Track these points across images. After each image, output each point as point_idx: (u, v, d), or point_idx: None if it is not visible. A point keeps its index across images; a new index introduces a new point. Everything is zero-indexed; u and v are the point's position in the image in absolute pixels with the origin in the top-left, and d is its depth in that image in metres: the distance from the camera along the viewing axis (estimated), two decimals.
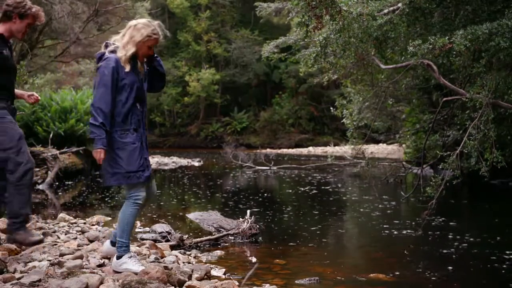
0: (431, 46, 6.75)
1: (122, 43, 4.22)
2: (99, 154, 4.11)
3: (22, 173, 4.76)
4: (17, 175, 4.75)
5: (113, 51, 4.23)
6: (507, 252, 5.96)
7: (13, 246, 5.16)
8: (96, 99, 4.12)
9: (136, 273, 4.21)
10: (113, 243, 4.60)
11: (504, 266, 5.40)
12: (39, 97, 5.38)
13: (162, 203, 10.08)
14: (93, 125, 4.10)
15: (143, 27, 4.20)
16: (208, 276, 4.63)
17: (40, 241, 4.90)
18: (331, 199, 11.13)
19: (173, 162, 21.91)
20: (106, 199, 10.24)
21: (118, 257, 4.30)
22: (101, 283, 4.07)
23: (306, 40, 10.24)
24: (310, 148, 39.07)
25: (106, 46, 4.35)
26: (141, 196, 4.25)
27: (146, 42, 4.20)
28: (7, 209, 4.90)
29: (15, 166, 4.76)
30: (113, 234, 4.64)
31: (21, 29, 4.81)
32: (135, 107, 4.27)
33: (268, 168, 18.40)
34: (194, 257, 5.57)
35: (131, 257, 4.29)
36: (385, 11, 8.21)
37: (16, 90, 5.28)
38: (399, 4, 8.10)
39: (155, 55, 4.42)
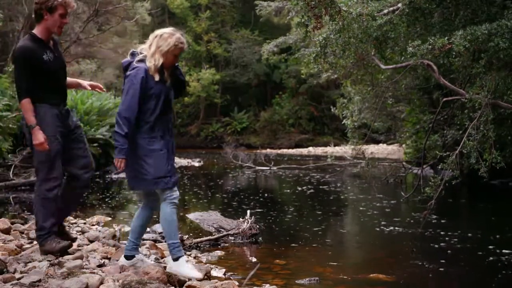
0: (430, 47, 6.76)
1: (149, 53, 4.25)
2: (121, 163, 4.21)
3: (49, 187, 4.84)
4: (45, 188, 4.83)
5: (142, 60, 4.27)
6: (508, 251, 5.96)
7: (13, 246, 5.17)
8: (124, 108, 4.15)
9: (199, 280, 4.28)
10: (127, 257, 4.57)
11: (505, 265, 5.40)
12: (101, 86, 5.45)
13: None
14: (119, 134, 4.16)
15: (169, 36, 4.24)
16: (208, 276, 4.63)
17: (68, 246, 4.92)
18: (331, 199, 11.13)
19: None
20: (106, 199, 10.25)
21: (175, 259, 4.30)
22: (101, 283, 4.07)
23: (306, 40, 10.24)
24: (310, 148, 39.03)
25: (132, 55, 4.38)
26: (176, 195, 4.32)
27: (173, 51, 4.24)
28: (36, 219, 4.99)
29: (44, 180, 4.84)
30: (126, 248, 4.62)
31: (56, 23, 4.75)
32: (162, 115, 4.32)
33: (268, 168, 18.40)
34: (194, 257, 5.57)
35: (187, 261, 4.30)
36: (385, 11, 8.22)
37: (71, 80, 5.32)
38: (399, 5, 8.11)
39: (176, 64, 4.46)
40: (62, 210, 5.09)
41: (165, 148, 4.32)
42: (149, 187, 4.34)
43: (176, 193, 4.32)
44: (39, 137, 4.65)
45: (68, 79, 5.24)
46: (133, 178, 4.35)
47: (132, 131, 4.22)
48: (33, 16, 4.92)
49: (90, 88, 5.41)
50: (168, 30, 4.32)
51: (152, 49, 4.24)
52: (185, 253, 4.63)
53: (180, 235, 6.16)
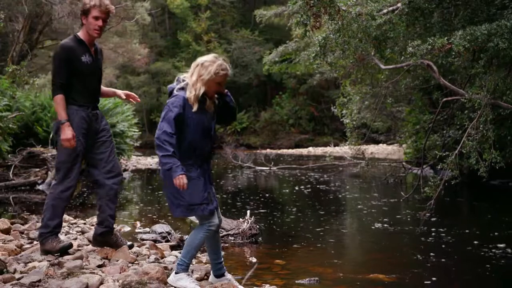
0: (430, 47, 6.76)
1: (191, 81, 4.16)
2: (181, 180, 4.00)
3: (64, 188, 4.91)
4: (61, 188, 4.89)
5: (183, 88, 4.21)
6: (508, 251, 5.96)
7: (13, 247, 5.17)
8: (160, 132, 4.06)
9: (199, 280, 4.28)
10: (217, 276, 4.51)
11: (506, 265, 5.40)
12: (136, 97, 5.49)
13: (162, 204, 10.09)
14: (165, 156, 4.02)
15: (210, 64, 4.14)
16: (208, 277, 4.63)
17: (69, 246, 4.95)
18: (331, 199, 11.13)
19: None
20: None
21: (176, 273, 4.28)
22: (101, 283, 4.08)
23: (305, 40, 10.24)
24: (310, 149, 39.05)
25: (177, 81, 4.32)
26: (214, 223, 4.23)
27: (214, 79, 4.14)
28: (42, 216, 5.04)
29: (62, 180, 4.91)
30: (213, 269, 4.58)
31: (91, 26, 4.86)
32: (200, 144, 4.24)
33: (268, 168, 18.40)
34: (194, 258, 5.56)
35: (188, 275, 4.28)
36: (384, 11, 8.22)
37: (106, 89, 5.40)
38: (399, 4, 8.11)
39: (226, 91, 4.38)
40: (101, 218, 5.19)
41: (202, 177, 4.25)
42: (185, 214, 4.27)
43: (214, 221, 4.23)
44: (68, 133, 4.74)
45: (104, 88, 5.36)
46: (171, 204, 4.26)
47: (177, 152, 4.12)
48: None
49: (124, 97, 5.47)
50: (209, 57, 4.21)
51: (194, 78, 4.16)
52: (191, 270, 4.61)
53: (180, 235, 6.18)
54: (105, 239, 5.21)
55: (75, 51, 4.84)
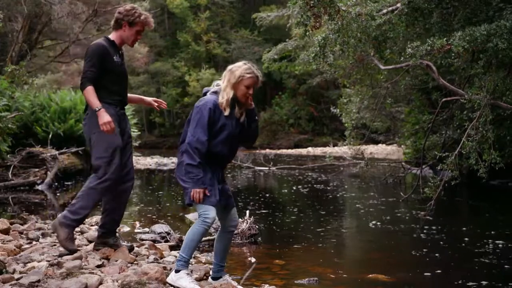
0: (429, 47, 6.76)
1: (222, 87, 4.25)
2: (199, 194, 4.09)
3: (102, 180, 4.94)
4: (98, 181, 4.92)
5: (215, 92, 4.28)
6: (507, 251, 5.96)
7: (12, 247, 5.17)
8: (194, 140, 4.10)
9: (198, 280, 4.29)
10: (214, 278, 4.52)
11: (504, 265, 5.40)
12: (165, 103, 5.52)
13: (161, 204, 10.09)
14: (192, 166, 4.08)
15: (237, 69, 4.23)
16: (207, 277, 4.63)
17: (73, 251, 4.92)
18: (330, 199, 11.13)
19: (172, 162, 21.87)
20: None
21: (176, 271, 4.28)
22: (100, 283, 4.07)
23: (304, 39, 10.23)
24: (310, 149, 39.07)
25: (214, 85, 4.40)
26: (211, 216, 4.18)
27: (241, 82, 4.20)
28: (75, 201, 5.04)
29: (102, 174, 4.93)
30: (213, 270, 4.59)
31: (131, 37, 4.95)
32: (222, 151, 4.26)
33: (267, 168, 18.41)
34: (193, 258, 5.56)
35: (188, 274, 4.27)
36: (384, 11, 8.22)
37: (134, 96, 5.45)
38: (398, 5, 8.12)
39: (253, 108, 4.41)
40: (107, 219, 5.24)
41: (211, 174, 4.26)
42: (189, 201, 4.26)
43: (211, 214, 4.19)
44: (106, 117, 4.73)
45: (131, 95, 5.40)
46: (185, 190, 4.25)
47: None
48: (112, 22, 5.09)
49: (154, 104, 5.49)
50: (238, 63, 4.32)
51: (224, 84, 4.24)
52: (191, 271, 4.61)
53: (179, 235, 6.17)
54: (105, 240, 5.22)
55: (109, 50, 4.90)
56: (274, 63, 25.29)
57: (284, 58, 26.99)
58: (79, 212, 4.97)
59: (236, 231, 6.51)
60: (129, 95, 5.31)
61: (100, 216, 7.71)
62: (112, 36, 5.02)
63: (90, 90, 4.78)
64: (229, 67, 4.31)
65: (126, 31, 4.95)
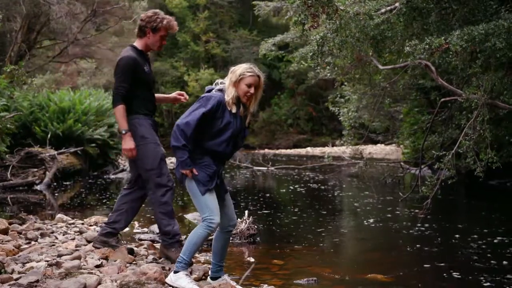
0: (427, 46, 6.76)
1: (226, 86, 4.31)
2: (188, 174, 4.21)
3: (162, 193, 5.00)
4: (159, 194, 4.96)
5: (221, 90, 4.32)
6: (505, 251, 5.97)
7: (11, 247, 5.17)
8: (183, 122, 4.13)
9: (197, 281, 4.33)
10: (213, 278, 4.54)
11: (502, 265, 5.41)
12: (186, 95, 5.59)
13: None
14: (176, 147, 4.14)
15: (238, 68, 4.30)
16: (206, 277, 4.63)
17: (190, 264, 4.90)
18: (329, 199, 11.13)
19: (171, 162, 21.83)
20: (104, 200, 10.24)
21: (175, 272, 4.28)
22: (99, 283, 4.07)
23: (303, 38, 10.23)
24: (308, 149, 39.09)
25: (216, 83, 4.44)
26: (215, 221, 4.22)
27: (242, 80, 4.24)
28: (158, 225, 5.16)
29: (157, 187, 4.99)
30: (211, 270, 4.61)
31: (156, 43, 5.01)
32: (224, 150, 4.30)
33: (265, 168, 18.40)
34: (192, 258, 5.56)
35: (187, 275, 4.28)
36: (382, 10, 8.22)
37: (158, 96, 5.47)
38: (397, 4, 8.11)
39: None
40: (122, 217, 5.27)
41: (216, 167, 4.33)
42: (180, 178, 4.32)
43: (216, 218, 4.22)
44: (130, 143, 4.85)
45: (161, 95, 5.54)
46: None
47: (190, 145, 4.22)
48: (135, 30, 5.16)
49: (181, 98, 5.54)
50: (241, 64, 4.38)
51: (227, 83, 4.30)
52: (190, 270, 4.62)
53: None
54: (107, 239, 5.23)
55: (139, 62, 4.94)
56: (271, 52, 25.20)
57: (282, 49, 26.93)
58: (169, 231, 5.07)
59: (235, 231, 6.52)
60: (156, 95, 5.39)
61: (99, 217, 7.74)
62: (138, 44, 5.06)
63: (120, 109, 4.85)
64: (232, 68, 4.36)
65: (150, 38, 5.00)
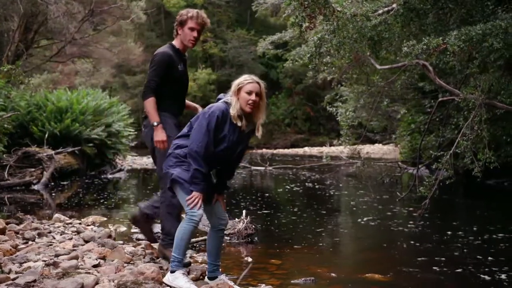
0: (425, 47, 6.77)
1: (231, 99, 4.32)
2: (198, 199, 4.19)
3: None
4: (169, 194, 4.88)
5: (227, 103, 4.33)
6: (502, 249, 5.98)
7: (8, 247, 5.16)
8: (199, 145, 4.16)
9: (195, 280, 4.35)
10: (210, 278, 4.54)
11: (500, 264, 5.42)
12: None
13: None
14: (200, 171, 4.16)
15: (237, 80, 4.34)
16: (203, 276, 4.63)
17: (187, 264, 4.86)
18: (326, 199, 11.14)
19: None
20: (102, 200, 10.23)
21: (172, 272, 4.29)
22: (97, 283, 4.07)
23: (300, 39, 10.24)
24: (306, 148, 39.13)
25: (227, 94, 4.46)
26: (197, 213, 4.22)
27: (242, 89, 4.26)
28: (161, 225, 5.13)
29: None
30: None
31: (187, 36, 5.03)
32: (217, 160, 4.32)
33: (263, 168, 18.41)
34: (190, 257, 5.56)
35: (184, 274, 4.28)
36: (380, 11, 8.23)
37: (190, 103, 5.53)
38: (394, 5, 8.12)
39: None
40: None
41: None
42: (169, 184, 4.36)
43: (198, 212, 4.22)
44: (162, 135, 4.86)
45: (188, 102, 5.49)
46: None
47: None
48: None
49: (196, 109, 5.53)
50: (243, 76, 4.40)
51: (230, 95, 4.33)
52: (188, 270, 4.62)
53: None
54: (147, 221, 5.27)
55: (174, 59, 4.98)
56: (269, 50, 25.17)
57: (280, 47, 26.94)
58: (171, 233, 4.95)
59: (232, 231, 6.53)
60: (187, 101, 5.43)
61: (96, 216, 7.73)
62: (175, 42, 5.13)
63: (151, 101, 4.87)
64: (234, 81, 4.38)
65: (181, 33, 5.05)
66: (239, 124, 4.26)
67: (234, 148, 4.34)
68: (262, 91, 4.31)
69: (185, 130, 4.46)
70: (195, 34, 5.02)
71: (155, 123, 4.85)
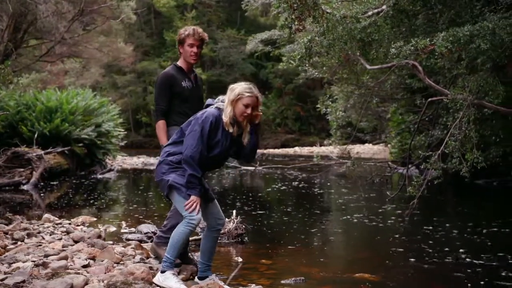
0: (413, 48, 6.80)
1: (224, 105, 4.32)
2: (196, 203, 4.20)
3: None
4: None
5: (219, 108, 4.33)
6: (493, 251, 6.02)
7: None
8: (194, 151, 4.18)
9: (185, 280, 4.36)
10: (200, 278, 4.53)
11: (489, 264, 5.45)
12: None
13: (148, 204, 10.07)
14: (195, 177, 4.19)
15: (237, 87, 4.31)
16: (193, 277, 4.64)
17: (178, 265, 4.86)
18: (317, 199, 11.17)
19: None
20: (92, 200, 10.20)
21: (162, 272, 4.28)
22: (86, 283, 4.07)
23: (290, 40, 10.26)
24: (296, 148, 39.18)
25: (218, 99, 4.45)
26: (196, 217, 4.23)
27: (240, 100, 4.25)
28: (166, 222, 5.15)
29: None
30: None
31: (187, 53, 5.15)
32: (210, 164, 4.35)
33: (253, 168, 18.42)
34: (177, 256, 5.56)
35: (174, 274, 4.28)
36: (369, 13, 8.25)
37: None
38: (384, 7, 8.14)
39: (258, 125, 4.43)
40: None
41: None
42: (166, 191, 4.36)
43: (196, 216, 4.23)
44: None
45: None
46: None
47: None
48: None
49: None
50: (241, 82, 4.40)
51: (225, 102, 4.32)
52: (178, 271, 4.62)
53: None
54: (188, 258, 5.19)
55: (176, 77, 5.12)
56: (258, 48, 25.16)
57: (269, 44, 26.99)
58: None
59: (223, 231, 6.52)
60: None
61: (86, 216, 7.71)
62: (179, 62, 5.27)
63: (160, 124, 5.06)
64: (230, 86, 4.38)
65: (183, 52, 5.17)
66: (230, 130, 4.29)
67: (226, 152, 4.38)
68: (259, 104, 4.33)
69: (175, 137, 4.47)
70: (195, 49, 5.14)
71: (163, 146, 4.93)
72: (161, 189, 4.44)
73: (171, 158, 4.36)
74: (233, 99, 4.25)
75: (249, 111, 4.26)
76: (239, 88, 4.29)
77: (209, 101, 4.48)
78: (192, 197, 4.19)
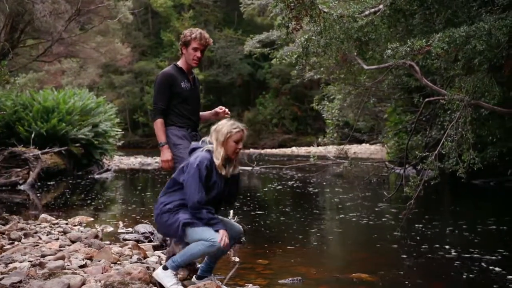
0: (409, 49, 6.80)
1: (214, 147, 4.33)
2: (225, 238, 4.16)
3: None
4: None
5: (209, 151, 4.34)
6: (488, 251, 6.03)
7: None
8: (199, 195, 4.18)
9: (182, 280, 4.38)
10: (199, 277, 4.56)
11: (486, 262, 5.46)
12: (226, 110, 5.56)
13: (145, 204, 10.06)
14: (213, 218, 4.20)
15: (222, 127, 4.34)
16: (191, 276, 4.63)
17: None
18: (314, 199, 11.17)
19: (156, 162, 21.83)
20: (89, 200, 10.19)
21: (165, 268, 4.28)
22: (83, 283, 4.06)
23: (287, 39, 10.26)
24: (294, 148, 39.20)
25: (202, 142, 4.46)
26: (219, 245, 4.19)
27: (230, 138, 4.29)
28: None
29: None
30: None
31: (191, 56, 5.14)
32: (209, 204, 4.32)
33: (251, 168, 18.41)
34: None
35: (174, 274, 4.28)
36: (366, 12, 8.26)
37: (206, 113, 5.57)
38: (381, 6, 8.15)
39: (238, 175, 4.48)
40: None
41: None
42: (180, 232, 4.30)
43: (216, 237, 4.17)
44: (166, 154, 4.97)
45: (203, 112, 5.53)
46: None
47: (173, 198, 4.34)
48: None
49: (217, 113, 5.51)
50: (222, 121, 4.42)
51: (214, 143, 4.34)
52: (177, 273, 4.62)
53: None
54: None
55: (176, 77, 5.11)
56: (256, 49, 25.14)
57: (267, 46, 27.02)
58: None
59: None
60: (202, 113, 5.47)
61: (83, 217, 7.70)
62: (179, 62, 5.26)
63: (158, 123, 5.03)
64: (213, 127, 4.40)
65: (185, 53, 5.16)
66: (223, 173, 4.31)
67: (223, 192, 4.40)
68: (244, 137, 4.38)
69: (167, 186, 4.46)
70: (198, 54, 5.14)
71: (161, 144, 5.00)
72: (172, 235, 4.40)
73: (169, 206, 4.34)
74: (223, 140, 4.28)
75: (240, 146, 4.33)
76: (225, 127, 4.32)
77: (194, 144, 4.51)
78: (221, 232, 4.15)
